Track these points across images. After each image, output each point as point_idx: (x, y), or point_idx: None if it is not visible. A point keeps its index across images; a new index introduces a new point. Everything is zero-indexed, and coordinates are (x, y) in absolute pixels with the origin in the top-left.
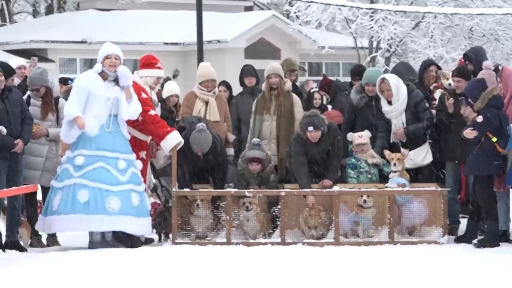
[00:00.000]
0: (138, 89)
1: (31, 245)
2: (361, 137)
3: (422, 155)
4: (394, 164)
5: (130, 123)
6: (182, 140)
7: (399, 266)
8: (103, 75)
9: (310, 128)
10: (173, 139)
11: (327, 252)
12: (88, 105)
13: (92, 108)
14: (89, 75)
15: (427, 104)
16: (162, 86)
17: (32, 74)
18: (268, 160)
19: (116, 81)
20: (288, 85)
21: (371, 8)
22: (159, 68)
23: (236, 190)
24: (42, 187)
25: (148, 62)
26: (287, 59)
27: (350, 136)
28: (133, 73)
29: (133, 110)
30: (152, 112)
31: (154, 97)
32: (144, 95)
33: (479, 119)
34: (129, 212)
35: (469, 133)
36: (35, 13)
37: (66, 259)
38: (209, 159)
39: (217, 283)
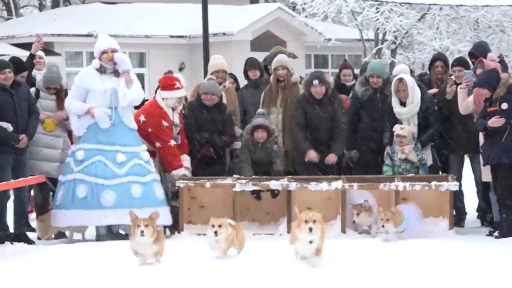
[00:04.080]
0: (159, 115)
1: (39, 238)
2: (403, 129)
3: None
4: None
5: (142, 134)
6: (187, 172)
7: (405, 258)
8: (101, 69)
9: (315, 82)
10: (182, 172)
11: (333, 244)
12: (87, 101)
13: (92, 103)
14: (86, 71)
15: (435, 107)
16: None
17: (48, 73)
18: (272, 130)
19: (115, 72)
20: (295, 77)
21: (377, 0)
22: (178, 88)
23: (239, 177)
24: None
25: (167, 84)
26: (277, 47)
27: (395, 127)
28: (142, 65)
29: (134, 94)
30: (172, 143)
31: (176, 119)
32: (165, 123)
33: (504, 106)
34: (128, 204)
35: (496, 121)
36: (41, 7)
37: (73, 251)
38: (216, 117)
39: (223, 273)
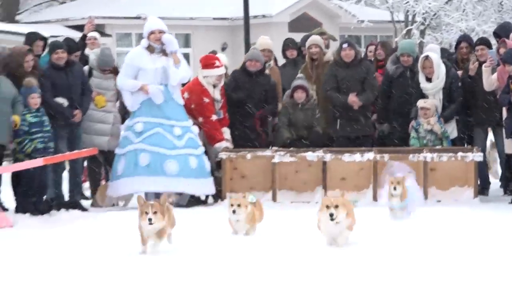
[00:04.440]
0: (200, 92)
1: (92, 205)
2: (426, 102)
3: (448, 131)
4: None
5: (186, 110)
6: (229, 145)
7: (432, 224)
8: (150, 48)
9: (345, 45)
10: (224, 144)
11: (365, 211)
12: (139, 79)
13: (143, 81)
14: (136, 51)
15: (459, 83)
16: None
17: (102, 56)
18: (311, 94)
19: (163, 52)
20: (328, 55)
21: None
22: (217, 67)
23: (278, 149)
24: (109, 151)
25: (207, 63)
26: (319, 28)
27: (419, 101)
28: (187, 45)
29: (182, 73)
30: (213, 118)
31: (217, 95)
32: (206, 100)
33: None
34: (188, 174)
35: None
36: None
37: (123, 218)
38: (260, 82)
39: (263, 239)
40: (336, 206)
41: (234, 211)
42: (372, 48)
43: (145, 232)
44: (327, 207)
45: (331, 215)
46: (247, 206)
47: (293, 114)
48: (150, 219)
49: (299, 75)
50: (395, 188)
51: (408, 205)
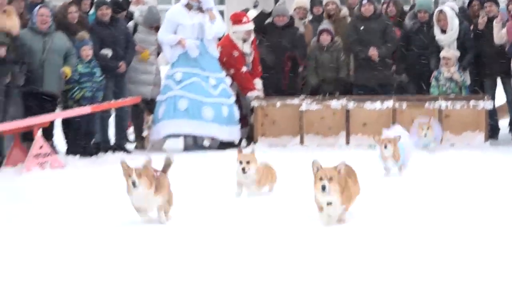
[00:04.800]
0: (230, 47)
1: (136, 148)
2: (448, 52)
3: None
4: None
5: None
6: (260, 93)
7: (446, 165)
8: (188, 6)
9: (364, 1)
10: (256, 93)
11: None
12: (178, 34)
13: (182, 35)
14: (176, 8)
15: (471, 35)
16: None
17: (150, 15)
18: (336, 39)
19: (200, 9)
20: (344, 11)
21: None
22: (245, 23)
23: (305, 96)
24: (152, 100)
25: (236, 19)
26: None
27: (442, 51)
28: (222, 3)
29: (217, 28)
30: (243, 69)
31: (246, 49)
32: (235, 53)
33: None
34: (221, 121)
35: None
36: None
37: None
38: (290, 34)
39: (290, 179)
40: (331, 179)
41: (243, 169)
42: (384, 6)
43: (139, 204)
44: (320, 179)
45: (323, 187)
46: (256, 163)
47: (320, 56)
48: (134, 182)
49: (324, 21)
50: (385, 146)
51: (402, 164)
